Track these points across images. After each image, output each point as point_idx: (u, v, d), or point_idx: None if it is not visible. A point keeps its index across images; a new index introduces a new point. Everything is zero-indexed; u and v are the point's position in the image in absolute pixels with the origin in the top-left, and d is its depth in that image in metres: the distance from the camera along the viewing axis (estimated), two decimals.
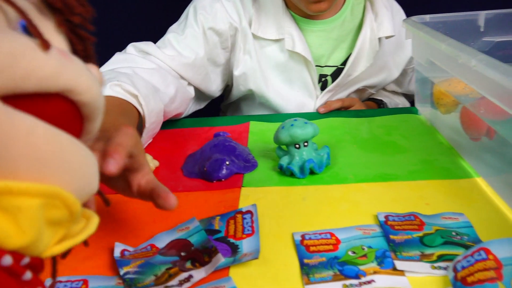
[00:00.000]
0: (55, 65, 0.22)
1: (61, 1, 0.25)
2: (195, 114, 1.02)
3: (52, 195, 0.21)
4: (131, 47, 0.80)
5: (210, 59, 0.85)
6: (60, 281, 0.43)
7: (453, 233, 0.46)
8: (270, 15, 0.84)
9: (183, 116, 0.85)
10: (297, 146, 0.59)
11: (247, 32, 0.85)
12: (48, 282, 0.37)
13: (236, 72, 0.87)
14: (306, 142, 0.60)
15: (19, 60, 0.21)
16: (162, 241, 0.47)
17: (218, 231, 0.48)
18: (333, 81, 0.90)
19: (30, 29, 0.23)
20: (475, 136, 0.58)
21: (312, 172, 0.60)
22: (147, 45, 0.80)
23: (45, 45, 0.22)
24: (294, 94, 0.89)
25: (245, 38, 0.85)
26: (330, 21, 0.87)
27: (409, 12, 0.91)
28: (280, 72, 0.88)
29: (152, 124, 0.67)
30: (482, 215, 0.49)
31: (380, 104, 0.97)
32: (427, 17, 0.77)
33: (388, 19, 0.86)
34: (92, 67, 0.26)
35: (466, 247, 0.43)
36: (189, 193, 0.58)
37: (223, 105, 1.06)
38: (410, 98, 1.04)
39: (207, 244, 0.45)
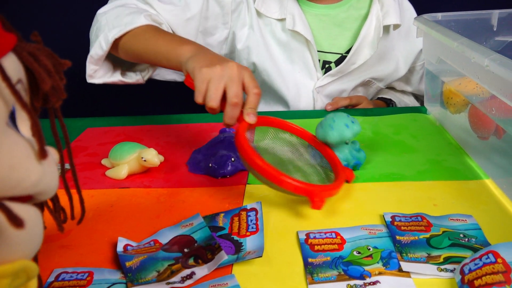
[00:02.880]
0: (40, 173, 0.25)
1: (51, 86, 0.27)
2: (202, 110, 1.02)
3: (21, 270, 0.24)
4: None
5: (207, 29, 0.85)
6: (67, 272, 0.43)
7: (461, 235, 0.45)
8: None
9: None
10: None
11: (251, 7, 0.86)
12: None
13: (239, 46, 0.88)
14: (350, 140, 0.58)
15: (14, 172, 0.23)
16: (165, 237, 0.47)
17: (222, 228, 0.48)
18: None
19: (34, 135, 0.25)
20: (484, 135, 0.57)
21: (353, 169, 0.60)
22: None
23: (43, 155, 0.24)
24: (295, 74, 0.89)
25: (250, 13, 0.86)
26: (335, 7, 0.88)
27: (420, 11, 0.90)
28: (283, 51, 0.88)
29: None
30: (490, 217, 0.48)
31: (389, 103, 0.96)
32: (439, 15, 0.76)
33: (394, 9, 0.86)
34: (52, 149, 0.28)
35: (474, 249, 0.43)
36: (194, 189, 0.58)
37: None
38: (420, 99, 1.02)
39: (210, 241, 0.45)
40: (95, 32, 0.76)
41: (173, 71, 0.89)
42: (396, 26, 0.88)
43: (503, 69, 0.44)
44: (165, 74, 0.89)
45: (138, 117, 0.85)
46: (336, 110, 0.85)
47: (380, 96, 0.99)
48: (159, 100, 1.10)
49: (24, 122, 0.27)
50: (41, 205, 0.29)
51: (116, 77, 0.78)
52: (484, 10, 0.76)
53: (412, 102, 1.01)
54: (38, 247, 0.28)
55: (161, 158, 0.64)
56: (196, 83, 0.55)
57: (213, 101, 0.54)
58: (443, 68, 0.67)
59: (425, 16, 0.75)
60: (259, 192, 0.56)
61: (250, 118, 0.54)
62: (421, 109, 0.80)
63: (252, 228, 0.47)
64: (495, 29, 0.77)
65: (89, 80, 0.77)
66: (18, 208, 0.24)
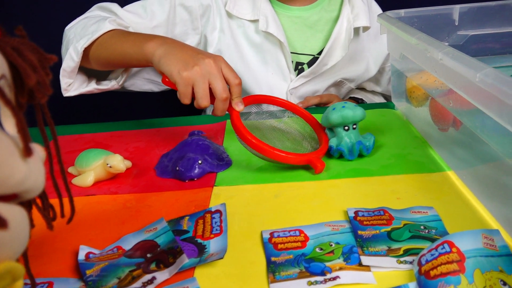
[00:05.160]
0: (26, 171, 0.24)
1: (36, 81, 0.26)
2: (175, 113, 1.01)
3: (5, 272, 0.24)
4: (96, 8, 0.82)
5: (176, 36, 0.84)
6: (26, 284, 0.42)
7: (422, 227, 0.46)
8: None
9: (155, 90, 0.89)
10: (346, 128, 0.60)
11: (221, 10, 0.86)
12: None
13: (210, 50, 0.88)
14: (355, 124, 0.61)
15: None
16: (129, 243, 0.47)
17: (186, 231, 0.48)
18: None
19: (19, 132, 0.24)
20: (443, 127, 0.58)
21: (360, 155, 0.61)
22: (112, 5, 0.81)
23: (28, 153, 0.24)
24: (268, 75, 0.89)
25: (220, 16, 0.86)
26: (307, 9, 0.89)
27: (388, 9, 0.92)
28: (256, 53, 0.89)
29: None
30: (451, 208, 0.49)
31: (360, 102, 0.97)
32: (402, 12, 0.77)
33: (364, 11, 0.88)
34: (37, 146, 0.28)
35: (433, 240, 0.43)
36: (161, 194, 0.58)
37: None
38: (388, 100, 1.04)
39: (172, 245, 0.44)
40: (65, 46, 0.76)
41: (149, 81, 0.89)
42: (366, 28, 0.90)
43: (455, 62, 0.45)
44: (141, 85, 0.88)
45: (108, 123, 0.84)
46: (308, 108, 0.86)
47: (351, 95, 1.00)
48: (131, 106, 1.09)
49: (8, 119, 0.26)
50: (28, 204, 0.28)
51: (91, 86, 0.78)
52: (445, 6, 0.78)
53: (381, 101, 1.02)
54: (24, 247, 0.27)
55: (128, 163, 0.64)
56: (180, 88, 0.59)
57: (205, 101, 0.59)
58: (406, 64, 0.68)
59: (388, 13, 0.76)
60: (226, 193, 0.56)
61: (239, 107, 0.61)
62: (389, 105, 0.81)
63: (216, 230, 0.47)
64: (456, 24, 0.78)
65: (65, 94, 0.76)
66: (2, 208, 0.24)
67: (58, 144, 0.31)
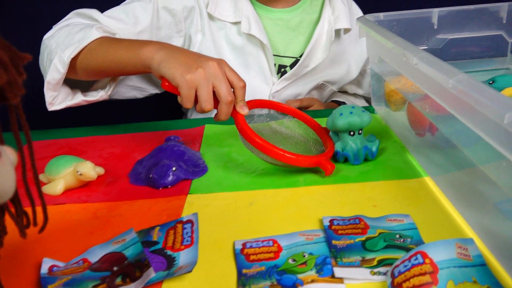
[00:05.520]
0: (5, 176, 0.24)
1: (6, 81, 0.26)
2: (155, 117, 0.99)
3: None
4: (75, 15, 0.79)
5: (161, 39, 0.82)
6: None
7: (397, 236, 0.45)
8: None
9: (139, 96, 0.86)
10: (351, 133, 0.60)
11: (203, 12, 0.84)
12: None
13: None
14: (361, 130, 0.60)
15: None
16: (95, 255, 0.45)
17: (156, 243, 0.46)
18: None
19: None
20: (420, 132, 0.58)
21: (365, 159, 0.61)
22: (92, 12, 0.78)
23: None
24: (250, 79, 0.88)
25: (202, 18, 0.85)
26: (289, 11, 0.88)
27: (370, 11, 0.91)
28: (237, 56, 0.87)
29: None
30: (427, 215, 0.49)
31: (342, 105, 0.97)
32: (381, 15, 0.76)
33: (345, 13, 0.88)
34: (8, 149, 0.27)
35: (408, 250, 0.42)
36: (133, 202, 0.56)
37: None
38: (370, 102, 1.04)
39: (140, 258, 0.43)
40: (47, 57, 0.72)
41: (133, 88, 0.86)
42: (347, 30, 0.89)
43: (430, 67, 0.44)
44: (124, 93, 0.86)
45: (83, 128, 0.82)
46: None
47: (333, 99, 1.00)
48: (106, 110, 1.07)
49: None
50: (0, 209, 0.27)
51: (78, 98, 0.75)
52: (424, 9, 0.77)
53: (363, 104, 1.02)
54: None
55: (100, 170, 0.62)
56: (183, 91, 0.57)
57: (209, 104, 0.58)
58: (384, 67, 0.68)
59: (368, 16, 0.75)
60: (200, 201, 0.55)
61: (244, 111, 0.60)
62: (369, 109, 0.81)
63: (187, 241, 0.46)
64: (436, 27, 0.78)
65: (50, 108, 0.73)
66: None
67: (32, 148, 0.30)
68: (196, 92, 0.58)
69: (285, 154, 0.56)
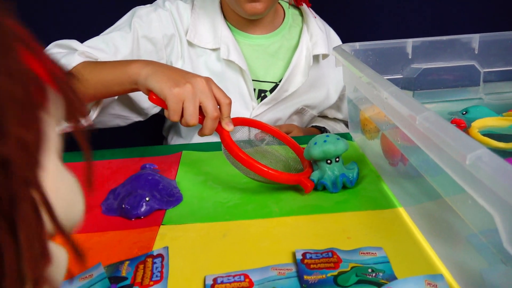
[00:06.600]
0: (81, 201, 0.24)
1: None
2: (135, 141, 0.98)
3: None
4: (54, 47, 0.78)
5: None
6: None
7: (369, 270, 0.45)
8: (207, 24, 0.86)
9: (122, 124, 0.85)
10: (328, 161, 0.60)
11: (183, 39, 0.86)
12: None
13: None
14: (338, 157, 0.60)
15: (73, 208, 0.24)
16: None
17: (125, 278, 0.45)
18: None
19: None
20: (393, 161, 0.58)
21: (344, 187, 0.61)
22: (72, 42, 0.78)
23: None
24: None
25: (182, 45, 0.86)
26: (267, 37, 0.90)
27: (348, 37, 0.93)
28: (217, 81, 0.86)
29: None
30: (400, 248, 0.49)
31: (323, 131, 0.97)
32: (357, 45, 0.78)
33: (323, 40, 0.90)
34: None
35: (379, 285, 0.42)
36: (104, 234, 0.55)
37: (164, 130, 1.03)
38: None
39: None
40: None
41: (116, 117, 0.85)
42: (325, 56, 0.91)
43: (399, 103, 0.45)
44: (107, 122, 0.84)
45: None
46: None
47: (313, 124, 1.01)
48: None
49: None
50: None
51: (62, 125, 0.74)
52: (399, 39, 0.80)
53: (343, 129, 1.03)
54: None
55: None
56: (170, 104, 0.59)
57: (194, 119, 0.60)
58: (359, 96, 0.69)
59: (344, 46, 0.77)
60: (172, 233, 0.54)
61: (229, 127, 0.62)
62: (347, 136, 0.81)
63: (157, 276, 0.45)
64: (410, 57, 0.80)
65: None
66: (52, 246, 0.23)
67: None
68: (182, 105, 0.59)
69: (269, 170, 0.58)
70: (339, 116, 1.04)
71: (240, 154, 0.58)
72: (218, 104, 0.62)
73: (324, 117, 1.05)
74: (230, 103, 0.62)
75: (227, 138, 0.61)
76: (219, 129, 0.62)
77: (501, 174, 0.29)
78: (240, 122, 0.67)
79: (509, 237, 0.29)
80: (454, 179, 0.36)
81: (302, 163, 0.66)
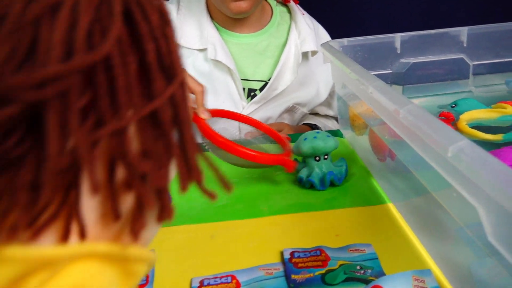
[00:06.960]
0: None
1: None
2: None
3: (152, 262, 0.25)
4: None
5: None
6: None
7: (358, 267, 0.44)
8: (194, 25, 0.86)
9: None
10: (317, 158, 0.59)
11: None
12: None
13: None
14: (327, 155, 0.60)
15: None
16: None
17: None
18: None
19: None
20: (381, 157, 0.58)
21: (332, 184, 0.60)
22: None
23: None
24: (220, 104, 0.87)
25: None
26: (255, 36, 0.89)
27: (336, 33, 0.93)
28: (205, 82, 0.86)
29: None
30: (389, 244, 0.48)
31: (314, 128, 0.97)
32: (345, 41, 0.77)
33: (311, 36, 0.89)
34: None
35: (367, 282, 0.41)
36: None
37: None
38: None
39: None
40: None
41: None
42: (314, 53, 0.91)
43: (383, 97, 0.44)
44: None
45: None
46: None
47: (305, 122, 1.00)
48: None
49: None
50: None
51: None
52: (387, 34, 0.79)
53: (335, 126, 1.02)
54: None
55: None
56: None
57: None
58: (348, 92, 0.68)
59: (332, 42, 0.76)
60: (158, 236, 0.52)
61: (205, 115, 0.62)
62: (337, 133, 0.81)
63: (142, 280, 0.44)
64: (399, 52, 0.79)
65: None
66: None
67: None
68: None
69: (248, 151, 0.57)
70: (330, 113, 1.03)
71: (218, 139, 0.58)
72: (192, 93, 0.62)
73: (315, 114, 1.04)
74: (203, 91, 0.63)
75: (203, 125, 0.60)
76: (195, 119, 0.62)
77: (483, 166, 0.28)
78: (216, 113, 0.67)
79: (493, 230, 0.29)
80: (439, 172, 0.35)
81: (283, 148, 0.65)
